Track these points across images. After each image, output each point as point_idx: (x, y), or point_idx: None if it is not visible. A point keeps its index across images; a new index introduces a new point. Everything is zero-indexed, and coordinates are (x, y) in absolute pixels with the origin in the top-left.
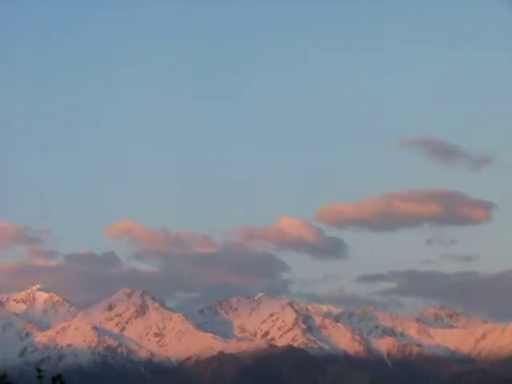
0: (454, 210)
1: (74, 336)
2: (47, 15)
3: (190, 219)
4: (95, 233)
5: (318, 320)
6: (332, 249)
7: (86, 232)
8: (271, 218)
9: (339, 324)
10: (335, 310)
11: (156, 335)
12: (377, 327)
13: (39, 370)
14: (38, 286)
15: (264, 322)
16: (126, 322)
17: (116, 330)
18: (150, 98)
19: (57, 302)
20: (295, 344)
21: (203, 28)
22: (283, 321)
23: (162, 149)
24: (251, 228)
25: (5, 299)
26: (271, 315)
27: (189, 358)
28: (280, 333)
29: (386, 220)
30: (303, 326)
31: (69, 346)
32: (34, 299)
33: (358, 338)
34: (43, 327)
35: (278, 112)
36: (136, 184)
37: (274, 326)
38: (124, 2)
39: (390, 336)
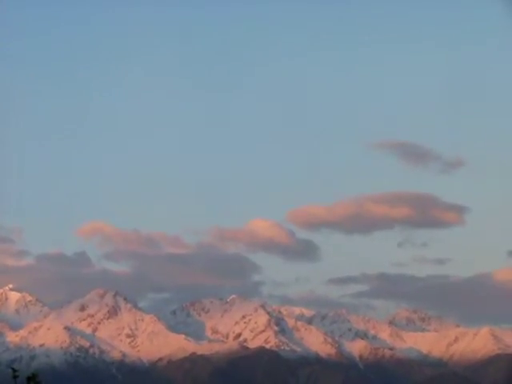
0: (426, 213)
1: (46, 336)
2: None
3: (161, 220)
4: (66, 233)
5: (290, 322)
6: (304, 251)
7: (57, 232)
8: (243, 219)
9: (311, 326)
10: (308, 313)
11: (128, 336)
12: (349, 330)
13: (14, 370)
14: (10, 285)
15: (236, 323)
16: (99, 323)
17: (88, 331)
18: (129, 102)
19: (29, 301)
20: (267, 346)
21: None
22: (255, 323)
23: (135, 149)
24: (223, 229)
25: None
26: (243, 317)
27: (161, 359)
28: (252, 334)
29: (357, 222)
30: (275, 328)
31: (41, 346)
32: (6, 299)
33: (330, 340)
34: (15, 327)
35: (252, 113)
36: (107, 184)
37: (246, 327)
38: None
39: (362, 339)
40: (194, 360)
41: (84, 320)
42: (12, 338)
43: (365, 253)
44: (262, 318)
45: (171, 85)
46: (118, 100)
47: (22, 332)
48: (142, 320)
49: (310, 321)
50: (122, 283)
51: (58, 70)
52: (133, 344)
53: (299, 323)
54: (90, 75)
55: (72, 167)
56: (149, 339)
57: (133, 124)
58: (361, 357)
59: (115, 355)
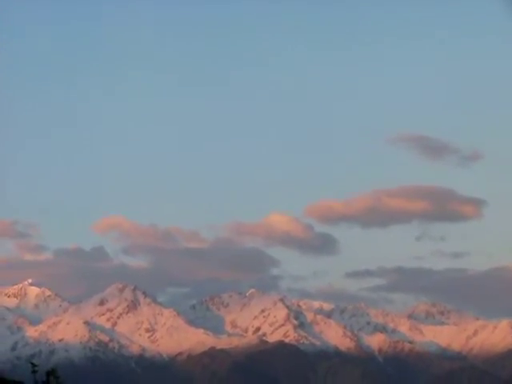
0: (444, 207)
1: (66, 331)
2: (45, 12)
3: (179, 214)
4: (83, 228)
5: (309, 316)
6: (321, 245)
7: (74, 227)
8: (260, 213)
9: (331, 320)
10: (327, 306)
11: (147, 330)
12: (368, 323)
13: (34, 365)
14: (29, 280)
15: (255, 317)
16: (118, 317)
17: (107, 325)
18: (142, 96)
19: (48, 296)
20: (286, 340)
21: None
22: (275, 317)
23: (152, 144)
24: (240, 223)
25: None
26: (263, 311)
27: (180, 354)
28: (271, 329)
29: (375, 216)
30: (295, 322)
31: (60, 340)
32: (25, 294)
33: (349, 334)
34: (35, 322)
35: (268, 109)
36: (125, 179)
37: (265, 321)
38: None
39: (381, 332)
40: (213, 354)
41: (103, 314)
42: (31, 332)
43: (382, 246)
44: (281, 312)
45: (183, 79)
46: (132, 96)
47: (42, 327)
48: (161, 314)
49: (329, 314)
50: (140, 278)
51: (67, 73)
52: (152, 338)
53: (318, 317)
54: (103, 74)
55: (89, 162)
56: (168, 334)
57: (150, 119)
58: (380, 350)
59: (134, 350)
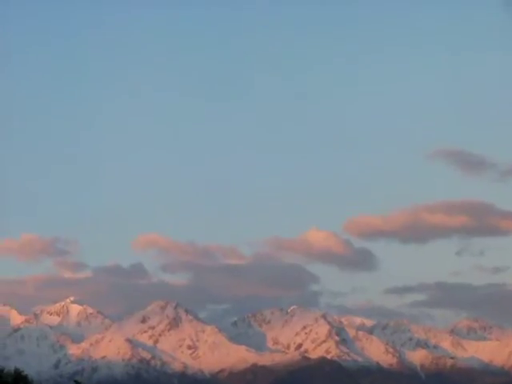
0: (483, 221)
1: (108, 348)
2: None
3: (217, 231)
4: (122, 245)
5: (351, 332)
6: (360, 260)
7: (113, 244)
8: (299, 229)
9: (372, 336)
10: (368, 323)
11: (189, 347)
12: (410, 339)
13: (77, 382)
14: (71, 298)
15: (297, 334)
16: (160, 335)
17: (150, 343)
18: (174, 108)
19: (90, 314)
20: (328, 356)
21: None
22: (316, 333)
23: (188, 161)
24: (279, 239)
25: (39, 312)
26: (304, 327)
27: (222, 371)
28: (313, 345)
29: (415, 232)
30: (337, 338)
31: (103, 358)
32: (67, 311)
33: (391, 350)
34: (77, 339)
35: (305, 124)
36: (162, 197)
37: (307, 338)
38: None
39: (423, 348)
40: (255, 371)
41: (145, 332)
42: (74, 350)
43: (422, 262)
44: (323, 329)
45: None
46: (167, 109)
47: (84, 344)
48: (203, 331)
49: (370, 330)
50: (179, 295)
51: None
52: (194, 355)
53: (360, 333)
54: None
55: (128, 180)
56: (210, 350)
57: (185, 137)
58: (422, 366)
59: (176, 367)
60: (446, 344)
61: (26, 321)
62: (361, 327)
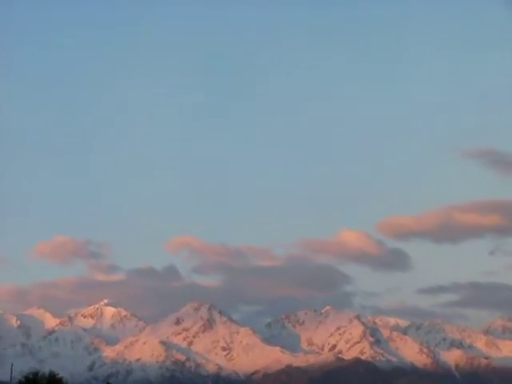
0: None
1: (142, 350)
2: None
3: (249, 233)
4: (155, 247)
5: (385, 333)
6: (393, 261)
7: (146, 246)
8: (332, 230)
9: (407, 337)
10: (402, 323)
11: (224, 349)
12: (445, 339)
13: None
14: (105, 301)
15: (331, 335)
16: (194, 336)
17: (184, 345)
18: (205, 110)
19: (124, 316)
20: (363, 357)
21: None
22: (351, 334)
23: (221, 164)
24: (312, 240)
25: (73, 314)
26: (338, 328)
27: (256, 372)
28: (347, 346)
29: (447, 231)
30: (371, 339)
31: (137, 360)
32: (101, 314)
33: (425, 350)
34: (111, 342)
35: (335, 125)
36: (195, 199)
37: (341, 339)
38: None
39: (457, 348)
40: (289, 372)
41: (179, 334)
42: (108, 352)
43: (455, 262)
44: (357, 329)
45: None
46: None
47: (118, 347)
48: (237, 333)
49: (405, 331)
50: (212, 296)
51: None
52: (228, 357)
53: (394, 334)
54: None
55: (161, 182)
56: (244, 352)
57: (219, 140)
58: (457, 366)
59: (211, 368)
60: (481, 344)
61: (61, 323)
62: (395, 328)
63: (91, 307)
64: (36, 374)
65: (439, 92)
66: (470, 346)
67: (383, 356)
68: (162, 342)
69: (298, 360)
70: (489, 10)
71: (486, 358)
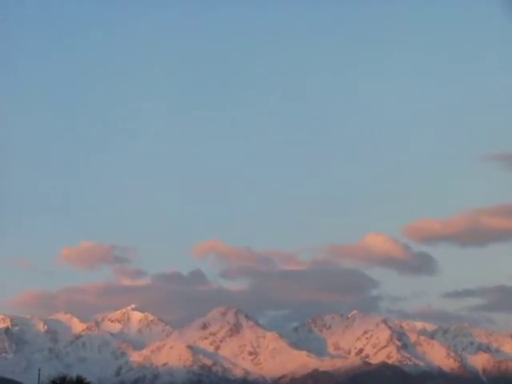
0: None
1: (169, 355)
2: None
3: (275, 237)
4: (181, 252)
5: (412, 337)
6: (420, 265)
7: (171, 251)
8: (357, 234)
9: (434, 341)
10: (429, 327)
11: (250, 353)
12: (472, 343)
13: None
14: (132, 305)
15: (358, 339)
16: (221, 341)
17: (211, 349)
18: (227, 121)
19: (151, 321)
20: (390, 361)
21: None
22: (377, 338)
23: (247, 169)
24: (338, 245)
25: (100, 319)
26: (365, 332)
27: (284, 376)
28: (374, 350)
29: (474, 235)
30: (398, 343)
31: (164, 365)
32: (128, 319)
33: (453, 354)
34: (138, 346)
35: (362, 129)
36: (221, 203)
37: (368, 343)
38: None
39: (485, 352)
40: (316, 376)
41: (206, 338)
42: (135, 357)
43: (482, 266)
44: (384, 333)
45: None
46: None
47: (145, 351)
48: (264, 337)
49: (432, 335)
50: (239, 301)
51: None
52: (255, 361)
53: (421, 338)
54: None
55: (186, 187)
56: (271, 356)
57: (243, 143)
58: (484, 370)
59: (238, 373)
60: (508, 347)
61: (88, 328)
62: (422, 332)
63: (118, 312)
64: (63, 378)
65: (466, 94)
66: (497, 350)
67: (410, 360)
68: (189, 347)
69: (325, 364)
70: None
71: None
